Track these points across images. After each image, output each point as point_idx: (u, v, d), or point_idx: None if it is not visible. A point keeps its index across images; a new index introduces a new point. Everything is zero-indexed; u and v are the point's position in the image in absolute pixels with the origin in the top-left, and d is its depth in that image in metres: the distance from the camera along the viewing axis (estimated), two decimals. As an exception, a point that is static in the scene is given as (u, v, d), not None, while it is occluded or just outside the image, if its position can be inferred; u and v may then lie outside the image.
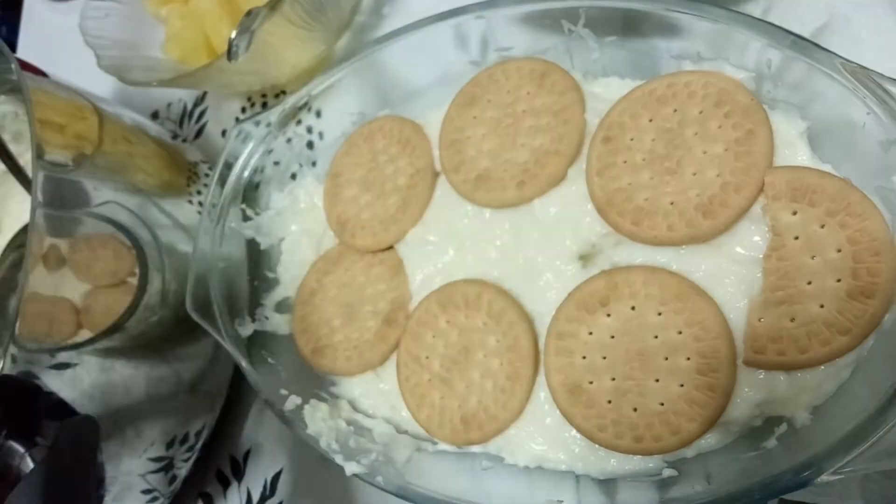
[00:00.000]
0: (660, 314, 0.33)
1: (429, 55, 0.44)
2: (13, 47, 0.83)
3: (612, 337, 0.34)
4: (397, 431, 0.40)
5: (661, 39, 0.38)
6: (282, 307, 0.47)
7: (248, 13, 0.41)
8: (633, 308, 0.33)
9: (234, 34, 0.41)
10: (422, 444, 0.38)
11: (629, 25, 0.39)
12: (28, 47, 0.83)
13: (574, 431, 0.34)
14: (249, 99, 0.61)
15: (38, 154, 0.43)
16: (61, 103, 0.49)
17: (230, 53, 0.41)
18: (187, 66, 0.55)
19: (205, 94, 0.64)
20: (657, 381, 0.32)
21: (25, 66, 0.57)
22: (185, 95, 0.65)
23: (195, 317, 0.43)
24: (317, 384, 0.43)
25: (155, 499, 0.50)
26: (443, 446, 0.38)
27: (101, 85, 0.65)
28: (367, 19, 0.56)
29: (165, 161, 0.55)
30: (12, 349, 0.40)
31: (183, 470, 0.51)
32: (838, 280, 0.29)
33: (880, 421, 0.26)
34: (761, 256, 0.31)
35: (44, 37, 0.82)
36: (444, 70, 0.45)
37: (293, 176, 0.51)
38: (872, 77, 0.29)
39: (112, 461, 0.47)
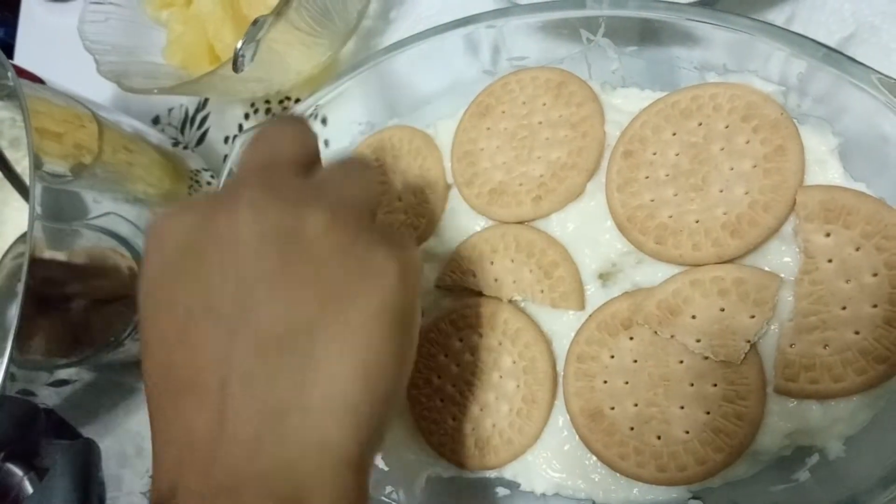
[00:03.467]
0: (684, 338, 0.31)
1: (438, 64, 0.42)
2: (11, 49, 0.82)
3: (635, 361, 0.32)
4: (408, 455, 0.38)
5: (681, 49, 0.37)
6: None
7: (255, 21, 0.39)
8: (657, 332, 0.32)
9: (239, 44, 0.39)
10: (434, 469, 0.37)
11: (647, 35, 0.37)
12: (25, 49, 0.82)
13: (594, 458, 0.33)
14: (253, 105, 0.60)
15: (37, 165, 0.42)
16: (59, 111, 0.48)
17: (236, 65, 0.39)
18: (188, 71, 0.54)
19: (207, 99, 0.63)
20: (682, 407, 0.31)
21: (22, 72, 0.56)
22: (186, 101, 0.64)
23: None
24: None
25: (157, 517, 0.48)
26: (456, 471, 0.37)
27: (100, 89, 0.64)
28: (374, 24, 0.55)
29: (167, 170, 0.53)
30: (11, 368, 0.38)
31: (185, 487, 0.50)
32: (875, 306, 0.28)
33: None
34: (792, 279, 0.30)
35: (42, 38, 0.80)
36: (454, 79, 0.43)
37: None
38: (913, 93, 0.28)
39: (113, 480, 0.46)
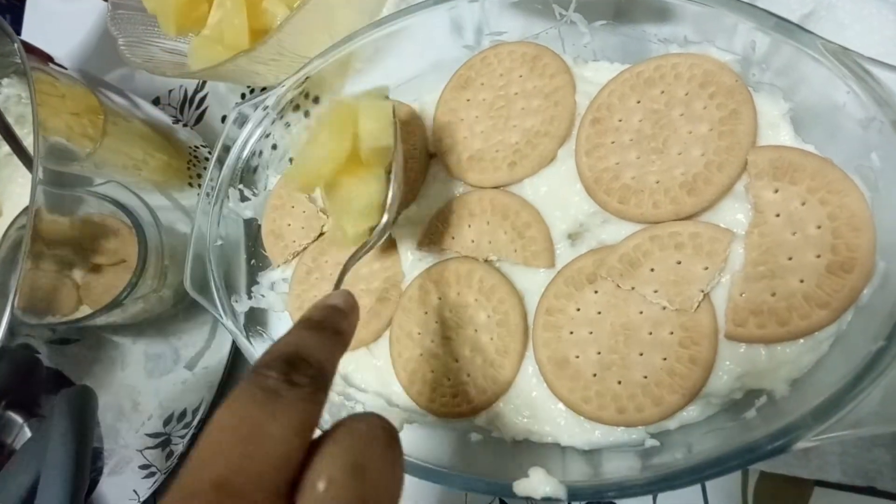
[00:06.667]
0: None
1: (424, 40, 0.45)
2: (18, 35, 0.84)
3: (599, 312, 0.35)
4: (388, 406, 0.40)
5: (650, 24, 0.39)
6: (277, 286, 0.47)
7: None
8: (618, 284, 0.34)
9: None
10: (412, 417, 0.39)
11: (620, 10, 0.39)
12: (32, 35, 0.84)
13: (560, 404, 0.35)
14: (249, 85, 0.62)
15: (41, 134, 0.44)
16: (64, 89, 0.50)
17: None
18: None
19: (205, 81, 0.65)
20: (641, 354, 0.33)
21: (30, 48, 0.58)
22: (186, 82, 0.66)
23: (193, 294, 0.44)
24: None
25: (152, 474, 0.51)
26: (433, 419, 0.39)
27: (103, 71, 0.66)
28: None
29: (166, 146, 0.56)
30: (11, 322, 0.40)
31: (180, 446, 0.52)
32: (818, 255, 0.30)
33: (856, 389, 0.27)
34: (744, 233, 0.32)
35: (48, 24, 0.83)
36: (439, 55, 0.45)
37: (291, 161, 0.52)
38: (853, 57, 0.30)
39: (110, 433, 0.48)
